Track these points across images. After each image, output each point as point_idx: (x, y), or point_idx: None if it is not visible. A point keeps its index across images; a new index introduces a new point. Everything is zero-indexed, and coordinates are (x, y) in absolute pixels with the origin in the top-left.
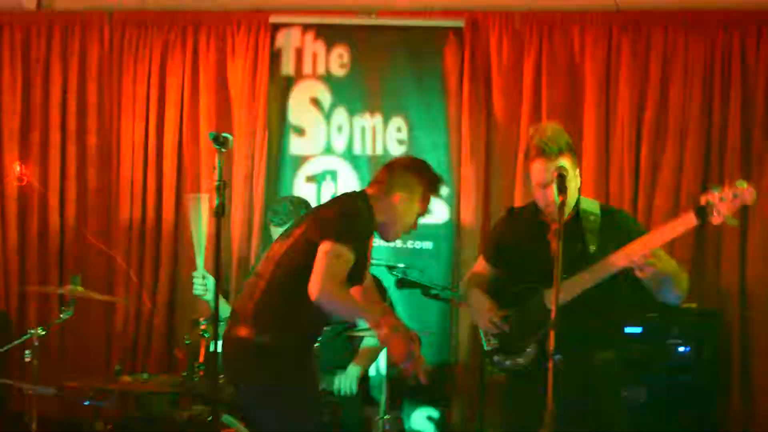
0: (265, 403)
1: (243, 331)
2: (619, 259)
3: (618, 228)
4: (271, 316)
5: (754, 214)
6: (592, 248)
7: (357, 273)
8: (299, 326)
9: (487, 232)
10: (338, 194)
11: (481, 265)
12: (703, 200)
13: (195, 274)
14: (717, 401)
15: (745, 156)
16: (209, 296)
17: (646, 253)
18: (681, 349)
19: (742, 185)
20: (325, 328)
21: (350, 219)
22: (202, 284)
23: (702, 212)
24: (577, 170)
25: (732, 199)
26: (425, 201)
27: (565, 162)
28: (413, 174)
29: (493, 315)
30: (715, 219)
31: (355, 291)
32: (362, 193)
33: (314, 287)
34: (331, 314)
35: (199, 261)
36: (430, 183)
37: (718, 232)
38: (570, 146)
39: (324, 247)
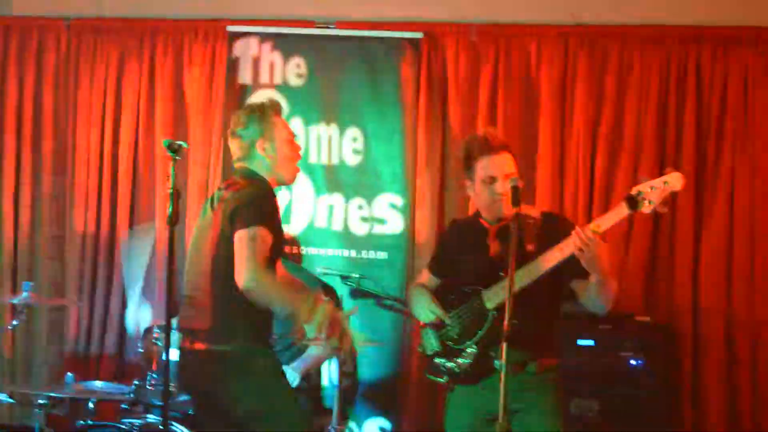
0: (239, 412)
1: (203, 345)
2: (554, 254)
3: (558, 231)
4: (225, 325)
5: (707, 226)
6: (529, 247)
7: (277, 249)
8: (254, 325)
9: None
10: (229, 181)
11: (424, 277)
12: (633, 190)
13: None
14: (669, 415)
15: (699, 171)
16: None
17: (584, 231)
18: (633, 362)
19: (671, 172)
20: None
21: (253, 200)
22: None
23: (632, 201)
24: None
25: (662, 187)
26: (278, 129)
27: (508, 159)
28: (252, 120)
29: (433, 307)
30: (646, 207)
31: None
32: (241, 170)
33: (239, 278)
34: (265, 304)
35: (134, 294)
36: (269, 113)
37: (670, 244)
38: (509, 145)
39: (239, 235)
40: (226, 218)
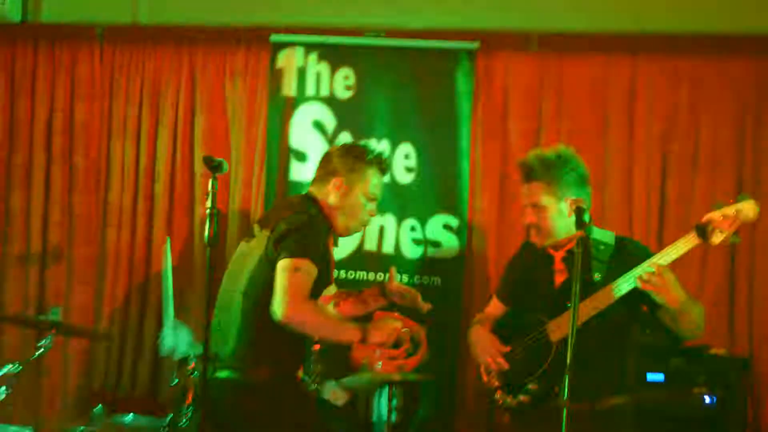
0: None
1: (229, 374)
2: (623, 283)
3: (629, 257)
4: (253, 354)
5: None
6: (597, 276)
7: (321, 282)
8: (283, 354)
9: (501, 267)
10: (284, 199)
11: (493, 305)
12: (704, 219)
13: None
14: None
15: None
16: (183, 351)
17: (652, 267)
18: (707, 399)
19: (745, 200)
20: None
21: (301, 229)
22: (173, 339)
23: (702, 230)
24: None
25: (734, 216)
26: (366, 181)
27: (539, 189)
28: (345, 155)
29: (494, 350)
30: (717, 238)
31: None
32: (306, 194)
33: (278, 308)
34: (304, 334)
35: (169, 313)
36: (366, 159)
37: (750, 268)
38: (554, 174)
39: (282, 265)
40: (271, 242)
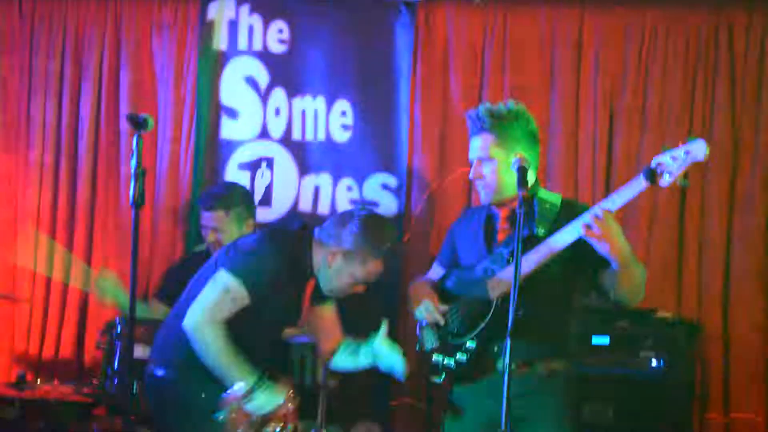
0: None
1: (155, 369)
2: (563, 236)
3: (575, 215)
4: (176, 354)
5: (741, 211)
6: (541, 231)
7: (262, 321)
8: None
9: (441, 228)
10: (280, 228)
11: (434, 272)
12: (653, 162)
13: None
14: (692, 422)
15: (733, 148)
16: (110, 296)
17: (597, 213)
18: (654, 362)
19: (695, 141)
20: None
21: (263, 262)
22: (104, 287)
23: (650, 173)
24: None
25: (683, 157)
26: (365, 265)
27: (481, 142)
28: (369, 244)
29: (430, 304)
30: (664, 181)
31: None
32: (307, 234)
33: (189, 315)
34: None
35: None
36: (373, 246)
37: (700, 230)
38: (505, 127)
39: (217, 276)
40: (228, 248)
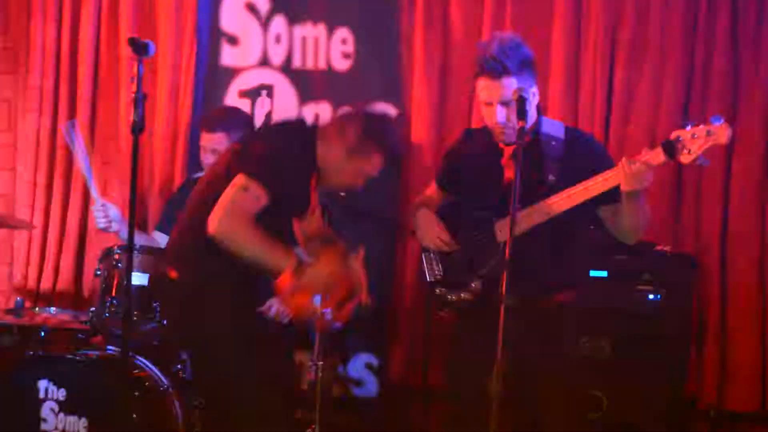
0: (205, 347)
1: (171, 272)
2: (578, 194)
3: (583, 156)
4: (194, 255)
5: (740, 142)
6: (551, 177)
7: (288, 220)
8: (224, 264)
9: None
10: (283, 121)
11: (432, 189)
12: (673, 135)
13: (93, 207)
14: (689, 355)
15: (733, 84)
16: (114, 227)
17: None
18: (651, 296)
19: (718, 122)
20: None
21: (275, 156)
22: (104, 216)
23: (671, 148)
24: (534, 89)
25: (705, 137)
26: (375, 166)
27: (507, 88)
28: (373, 139)
29: (442, 233)
30: (685, 158)
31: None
32: (312, 128)
33: (212, 220)
34: (234, 255)
35: (93, 192)
36: (386, 154)
37: (698, 168)
38: (523, 64)
39: (236, 180)
40: (237, 155)
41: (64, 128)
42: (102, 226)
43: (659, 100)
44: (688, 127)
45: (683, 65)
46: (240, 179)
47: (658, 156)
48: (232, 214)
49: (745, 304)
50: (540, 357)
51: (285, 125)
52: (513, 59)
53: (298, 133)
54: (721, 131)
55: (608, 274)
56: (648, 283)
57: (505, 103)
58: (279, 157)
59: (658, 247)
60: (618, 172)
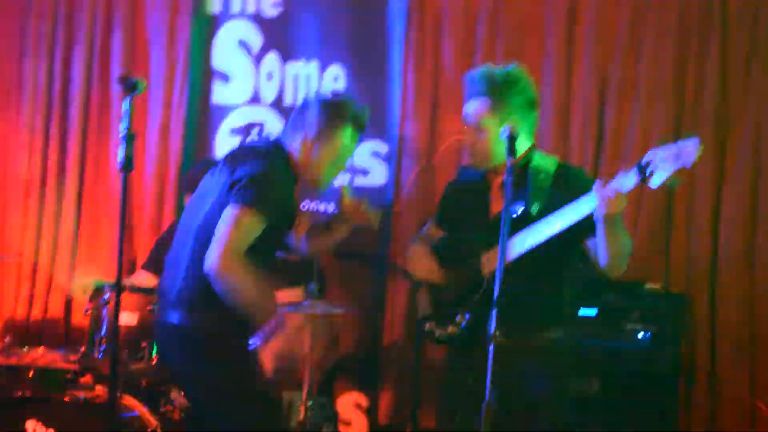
0: (206, 393)
1: (172, 316)
2: (558, 221)
3: (569, 187)
4: (198, 297)
5: (730, 182)
6: (535, 209)
7: (282, 231)
8: (223, 303)
9: (430, 196)
10: (257, 144)
11: (427, 227)
12: (644, 158)
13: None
14: (678, 395)
15: (722, 122)
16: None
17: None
18: (641, 335)
19: (688, 140)
20: None
21: (257, 179)
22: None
23: (642, 170)
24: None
25: (674, 158)
26: (338, 139)
27: (474, 108)
28: (333, 117)
29: (431, 266)
30: (656, 179)
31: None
32: (276, 141)
33: (209, 256)
34: (227, 294)
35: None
36: (353, 122)
37: (688, 204)
38: (500, 93)
39: (227, 212)
40: (227, 186)
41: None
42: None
43: (650, 138)
44: (660, 149)
45: (673, 104)
46: (230, 211)
47: (630, 178)
48: (226, 252)
49: (734, 340)
50: (528, 395)
51: (256, 149)
52: (488, 81)
53: (274, 150)
54: (689, 150)
55: (598, 311)
56: (637, 321)
57: (474, 125)
58: (264, 178)
59: (648, 285)
60: (592, 196)
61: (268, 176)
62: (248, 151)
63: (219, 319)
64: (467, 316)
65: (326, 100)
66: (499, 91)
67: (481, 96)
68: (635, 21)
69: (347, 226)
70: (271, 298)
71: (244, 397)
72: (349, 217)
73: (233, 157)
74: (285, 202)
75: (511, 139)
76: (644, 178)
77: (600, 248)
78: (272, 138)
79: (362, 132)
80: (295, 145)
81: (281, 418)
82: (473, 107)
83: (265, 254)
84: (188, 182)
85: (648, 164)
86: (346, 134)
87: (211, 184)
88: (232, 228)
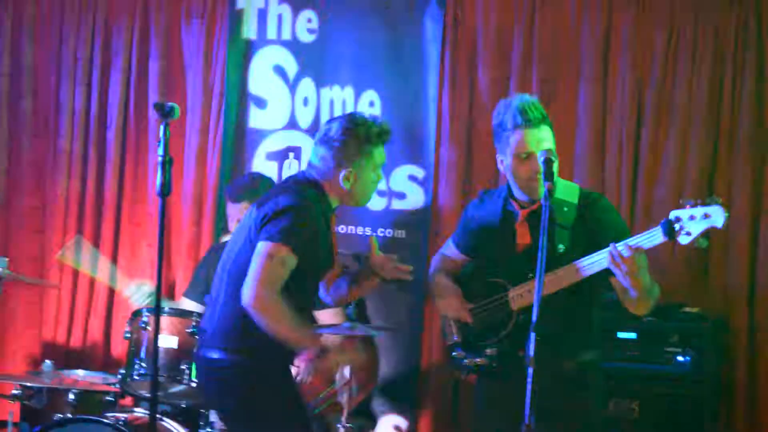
0: (247, 428)
1: (211, 352)
2: (591, 264)
3: (594, 222)
4: (234, 334)
5: (765, 210)
6: (561, 247)
7: (319, 266)
8: (263, 338)
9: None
10: (285, 182)
11: (449, 250)
12: (671, 215)
13: (126, 293)
14: (718, 417)
15: (758, 140)
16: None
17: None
18: (680, 358)
19: (715, 204)
20: None
21: (287, 214)
22: (141, 296)
23: (669, 229)
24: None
25: (701, 219)
26: (374, 160)
27: (547, 134)
28: (352, 141)
29: (460, 307)
30: (683, 239)
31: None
32: (306, 176)
33: (244, 292)
34: (264, 327)
35: (118, 283)
36: (374, 142)
37: (726, 227)
38: (548, 118)
39: (259, 248)
40: (257, 222)
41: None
42: (140, 303)
43: (686, 161)
44: (687, 207)
45: (710, 127)
46: (262, 247)
47: (656, 236)
48: (260, 287)
49: None
50: (567, 419)
51: (292, 183)
52: (542, 110)
53: (305, 185)
54: (717, 214)
55: (636, 335)
56: (677, 344)
57: (550, 152)
58: (294, 213)
59: (687, 309)
60: (606, 257)
61: (297, 210)
62: (278, 187)
63: (256, 356)
64: (497, 348)
65: (349, 129)
66: (548, 120)
67: (545, 124)
68: (670, 44)
69: (375, 280)
70: (311, 329)
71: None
72: (378, 271)
73: (266, 194)
74: (318, 236)
75: (548, 162)
76: (672, 234)
77: (621, 293)
78: (301, 173)
79: (388, 141)
80: (330, 177)
81: None
82: (544, 134)
83: (303, 296)
84: (231, 190)
85: (676, 220)
86: (379, 153)
87: (247, 221)
88: (265, 262)
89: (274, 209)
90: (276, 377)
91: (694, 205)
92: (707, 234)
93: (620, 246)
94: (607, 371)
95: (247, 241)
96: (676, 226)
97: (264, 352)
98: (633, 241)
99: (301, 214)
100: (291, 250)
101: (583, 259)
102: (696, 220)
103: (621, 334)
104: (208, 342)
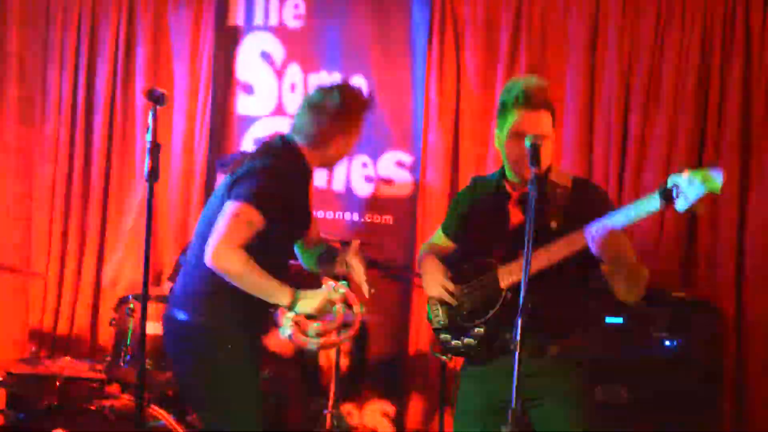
0: (202, 390)
1: (178, 313)
2: (580, 238)
3: (586, 204)
4: (203, 296)
5: (755, 190)
6: (554, 225)
7: (294, 226)
8: (229, 303)
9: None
10: (260, 145)
11: (439, 238)
12: (669, 181)
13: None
14: (707, 405)
15: (745, 132)
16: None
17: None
18: (667, 343)
19: (712, 169)
20: None
21: (257, 175)
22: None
23: (666, 195)
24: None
25: (700, 184)
26: (359, 127)
27: (546, 119)
28: (346, 113)
29: (446, 284)
30: (681, 204)
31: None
32: (284, 137)
33: (207, 249)
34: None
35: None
36: (364, 114)
37: (713, 211)
38: (551, 104)
39: (225, 207)
40: (228, 183)
41: None
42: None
43: (673, 146)
44: (685, 173)
45: (697, 112)
46: (229, 205)
47: (654, 202)
48: (223, 244)
49: (762, 347)
50: (555, 404)
51: (266, 145)
52: (546, 95)
53: (281, 146)
54: (714, 179)
55: (624, 320)
56: (664, 329)
57: (546, 137)
58: (265, 174)
59: (674, 293)
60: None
61: (268, 171)
62: (254, 150)
63: (221, 320)
64: (484, 328)
65: (348, 102)
66: (550, 101)
67: (545, 108)
68: (658, 31)
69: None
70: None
71: (235, 396)
72: (349, 271)
73: (237, 160)
74: (293, 198)
75: (535, 147)
76: (670, 200)
77: (609, 278)
78: (279, 136)
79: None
80: (315, 142)
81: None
82: (543, 118)
83: (276, 257)
84: (220, 164)
85: (674, 186)
86: (362, 121)
87: (222, 186)
88: (229, 221)
89: (245, 171)
90: (238, 345)
91: (693, 170)
92: (702, 200)
93: (602, 222)
94: (595, 356)
95: (217, 204)
96: (673, 191)
97: (230, 318)
98: (628, 208)
99: (272, 175)
100: (258, 212)
101: (559, 240)
102: (695, 185)
103: (609, 319)
104: (176, 302)
